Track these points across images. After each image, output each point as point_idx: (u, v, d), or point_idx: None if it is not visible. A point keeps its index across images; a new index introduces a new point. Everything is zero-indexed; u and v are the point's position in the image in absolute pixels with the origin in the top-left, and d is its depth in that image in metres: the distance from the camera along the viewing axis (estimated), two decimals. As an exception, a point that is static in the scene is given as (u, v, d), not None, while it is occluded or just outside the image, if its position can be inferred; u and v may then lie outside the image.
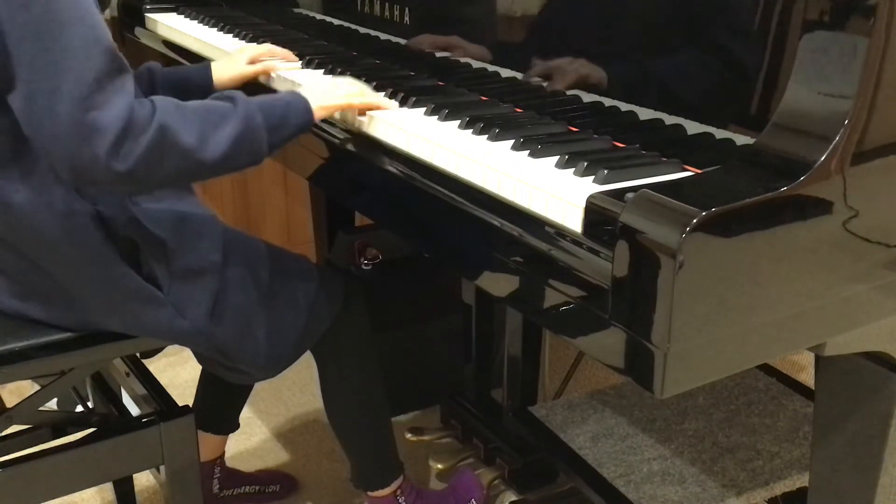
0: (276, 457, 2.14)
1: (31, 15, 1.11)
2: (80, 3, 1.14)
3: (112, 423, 1.60)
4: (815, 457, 1.23)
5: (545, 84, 1.34)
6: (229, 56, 1.68)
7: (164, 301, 1.38)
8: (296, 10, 1.98)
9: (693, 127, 1.13)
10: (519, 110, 1.36)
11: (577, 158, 1.09)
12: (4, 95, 1.17)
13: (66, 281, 1.34)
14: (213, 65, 1.63)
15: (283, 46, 1.71)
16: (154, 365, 2.31)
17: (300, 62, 1.67)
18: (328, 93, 1.37)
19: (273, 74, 1.62)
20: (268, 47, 1.69)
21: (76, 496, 1.93)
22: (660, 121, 1.18)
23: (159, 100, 1.20)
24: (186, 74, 1.61)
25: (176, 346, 1.51)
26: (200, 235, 1.42)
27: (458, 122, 1.29)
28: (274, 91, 1.59)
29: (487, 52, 1.45)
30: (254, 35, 1.88)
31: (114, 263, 1.33)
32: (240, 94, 1.29)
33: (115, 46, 1.17)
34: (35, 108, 1.13)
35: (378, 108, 1.37)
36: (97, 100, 1.12)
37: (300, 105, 1.32)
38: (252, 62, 1.64)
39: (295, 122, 1.31)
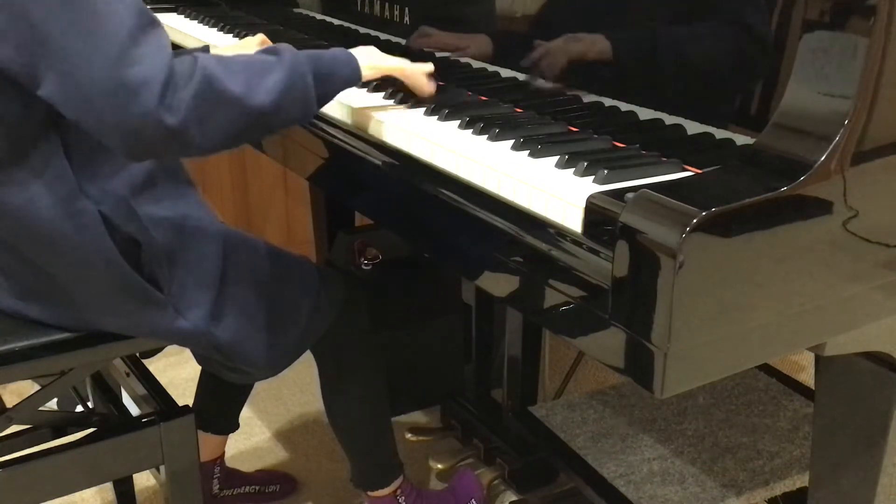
0: (276, 457, 2.14)
1: None
2: None
3: (112, 423, 1.60)
4: (815, 457, 1.23)
5: (545, 84, 1.34)
6: (235, 48, 1.67)
7: (164, 302, 1.38)
8: (296, 10, 1.98)
9: (693, 127, 1.13)
10: (519, 110, 1.36)
11: (577, 158, 1.09)
12: (31, 91, 1.15)
13: (67, 281, 1.34)
14: (213, 52, 1.61)
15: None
16: (154, 365, 2.30)
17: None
18: (379, 55, 1.35)
19: None
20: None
21: (76, 496, 1.93)
22: (660, 121, 1.18)
23: (200, 53, 1.18)
24: None
25: (176, 346, 1.51)
26: (201, 236, 1.42)
27: (458, 122, 1.29)
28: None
29: (487, 52, 1.45)
30: (254, 35, 1.88)
31: (115, 264, 1.33)
32: (286, 46, 1.26)
33: (141, 2, 1.14)
34: (74, 82, 1.10)
35: (422, 90, 1.37)
36: (134, 55, 1.09)
37: (347, 59, 1.30)
38: None
39: (342, 74, 1.29)
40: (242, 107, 1.17)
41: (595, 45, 1.26)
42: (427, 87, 1.38)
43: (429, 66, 1.40)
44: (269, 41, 1.69)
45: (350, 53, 1.32)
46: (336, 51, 1.32)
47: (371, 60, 1.34)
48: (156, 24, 1.14)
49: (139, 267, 1.36)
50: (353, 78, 1.31)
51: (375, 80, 1.40)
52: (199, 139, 1.15)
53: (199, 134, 1.14)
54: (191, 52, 1.17)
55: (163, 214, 1.39)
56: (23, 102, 1.19)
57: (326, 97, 1.28)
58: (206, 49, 1.61)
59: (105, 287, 1.35)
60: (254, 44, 1.68)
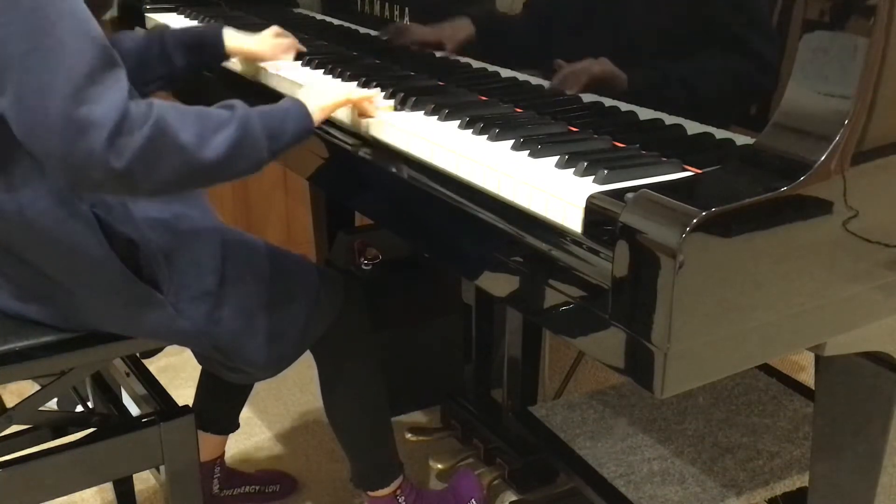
0: (276, 457, 2.14)
1: (20, 13, 1.10)
2: None
3: (112, 423, 1.60)
4: (815, 457, 1.23)
5: (545, 84, 1.34)
6: (250, 39, 1.68)
7: (163, 302, 1.38)
8: (296, 10, 1.98)
9: (693, 127, 1.13)
10: (519, 110, 1.36)
11: (577, 158, 1.09)
12: None
13: (66, 283, 1.34)
14: (225, 30, 1.62)
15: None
16: (154, 365, 2.31)
17: (300, 62, 1.67)
18: (323, 94, 1.36)
19: (272, 71, 1.62)
20: (291, 43, 1.69)
21: (76, 496, 1.93)
22: (660, 121, 1.18)
23: (157, 100, 1.19)
24: (198, 35, 1.61)
25: (176, 346, 1.51)
26: (199, 235, 1.42)
27: (458, 122, 1.29)
28: (269, 88, 1.60)
29: (487, 52, 1.45)
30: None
31: (112, 266, 1.33)
32: (239, 102, 1.28)
33: (107, 42, 1.15)
34: (26, 107, 1.11)
35: (370, 99, 1.37)
36: (90, 93, 1.10)
37: (299, 111, 1.32)
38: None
39: (294, 127, 1.31)
40: (190, 158, 1.18)
41: (600, 62, 1.26)
42: (372, 112, 1.37)
43: (374, 92, 1.41)
44: (285, 32, 1.69)
45: (302, 104, 1.32)
46: (288, 104, 1.32)
47: (319, 102, 1.34)
48: (116, 64, 1.15)
49: (137, 267, 1.36)
50: (305, 130, 1.33)
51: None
52: (143, 183, 1.17)
53: (143, 179, 1.16)
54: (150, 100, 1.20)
55: (159, 214, 1.39)
56: None
57: (280, 151, 1.30)
58: (219, 30, 1.61)
59: (104, 288, 1.35)
60: (269, 35, 1.68)
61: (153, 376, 1.66)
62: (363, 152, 1.36)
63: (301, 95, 1.35)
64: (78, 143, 1.10)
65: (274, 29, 1.70)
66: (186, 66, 1.61)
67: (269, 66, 1.65)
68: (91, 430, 1.53)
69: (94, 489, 1.98)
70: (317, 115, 1.34)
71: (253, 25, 1.99)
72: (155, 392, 1.61)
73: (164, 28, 1.61)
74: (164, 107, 1.18)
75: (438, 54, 1.54)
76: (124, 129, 1.12)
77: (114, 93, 1.13)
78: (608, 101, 1.25)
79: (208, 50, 1.61)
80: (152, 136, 1.14)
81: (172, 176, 1.18)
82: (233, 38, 1.63)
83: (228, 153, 1.22)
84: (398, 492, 1.75)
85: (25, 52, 1.10)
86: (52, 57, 1.10)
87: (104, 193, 1.30)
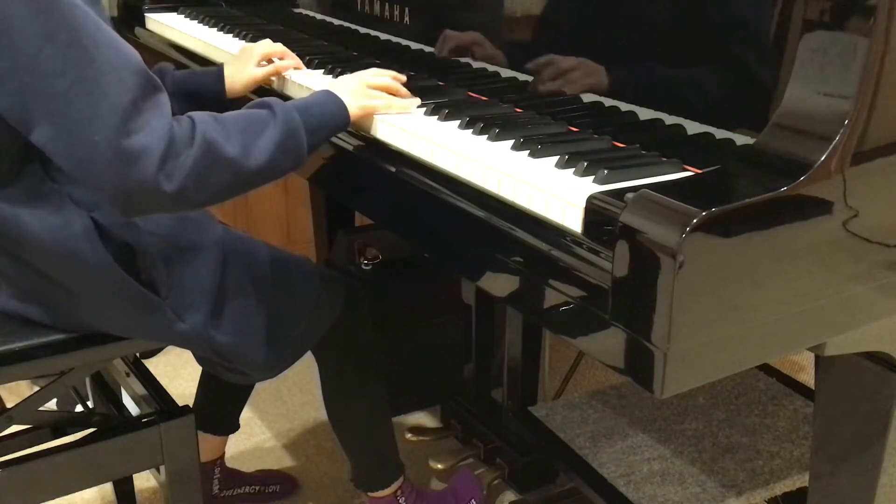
0: (276, 457, 2.14)
1: (57, 47, 1.09)
2: (103, 28, 1.13)
3: (112, 423, 1.60)
4: (815, 457, 1.23)
5: (545, 84, 1.34)
6: (239, 56, 1.66)
7: (162, 305, 1.37)
8: (296, 10, 1.98)
9: (693, 127, 1.13)
10: (519, 110, 1.36)
11: (577, 158, 1.09)
12: (25, 135, 1.14)
13: (66, 286, 1.34)
14: (225, 70, 1.61)
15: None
16: (154, 365, 2.31)
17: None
18: (362, 92, 1.35)
19: (286, 76, 1.61)
20: (280, 47, 1.66)
21: (76, 496, 1.93)
22: (660, 121, 1.18)
23: (197, 115, 1.19)
24: (198, 85, 1.60)
25: (176, 346, 1.51)
26: (198, 237, 1.42)
27: (458, 122, 1.29)
28: (285, 95, 1.59)
29: (487, 52, 1.45)
30: (254, 35, 1.88)
31: (111, 270, 1.33)
32: (275, 100, 1.27)
33: (145, 66, 1.15)
34: (74, 140, 1.10)
35: (405, 111, 1.36)
36: (136, 123, 1.10)
37: (336, 104, 1.32)
38: (263, 60, 1.63)
39: (332, 122, 1.31)
40: (239, 169, 1.19)
41: (600, 63, 1.26)
42: (411, 106, 1.37)
43: (416, 101, 1.39)
44: (278, 54, 1.66)
45: (339, 99, 1.32)
46: (325, 97, 1.32)
47: (359, 101, 1.33)
48: (158, 89, 1.15)
49: (136, 271, 1.36)
50: (342, 125, 1.32)
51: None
52: (196, 200, 1.18)
53: (196, 195, 1.17)
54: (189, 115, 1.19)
55: (158, 219, 1.38)
56: (9, 125, 1.18)
57: (317, 146, 1.30)
58: (220, 77, 1.60)
59: (103, 291, 1.35)
60: (262, 48, 1.66)
61: (153, 376, 1.66)
62: (363, 152, 1.36)
63: (337, 90, 1.34)
64: (129, 173, 1.11)
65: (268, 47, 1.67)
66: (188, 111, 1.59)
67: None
68: (91, 430, 1.53)
69: (94, 489, 1.98)
70: (355, 112, 1.33)
71: (253, 25, 1.99)
72: (155, 392, 1.61)
73: (164, 69, 1.58)
74: (205, 121, 1.18)
75: (438, 54, 1.54)
76: (172, 152, 1.13)
77: (158, 118, 1.13)
78: (608, 101, 1.25)
79: (211, 101, 1.59)
80: (200, 155, 1.15)
81: (223, 188, 1.20)
82: (234, 81, 1.59)
83: (273, 157, 1.22)
84: (398, 492, 1.75)
85: (67, 86, 1.09)
86: (94, 89, 1.10)
87: (157, 213, 1.31)
